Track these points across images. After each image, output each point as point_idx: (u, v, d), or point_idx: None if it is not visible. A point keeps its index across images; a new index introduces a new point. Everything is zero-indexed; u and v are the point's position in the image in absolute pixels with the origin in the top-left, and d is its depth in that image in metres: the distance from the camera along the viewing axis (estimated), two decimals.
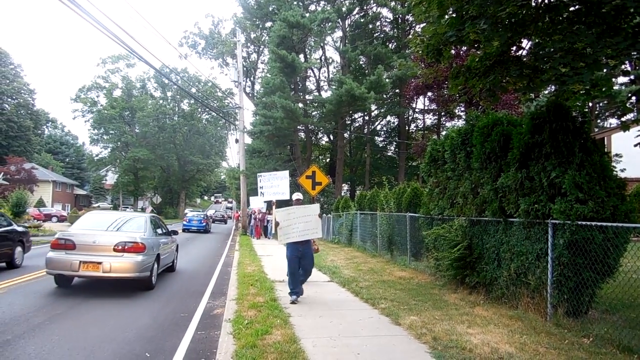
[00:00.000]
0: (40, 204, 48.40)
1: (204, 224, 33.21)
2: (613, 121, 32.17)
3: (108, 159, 66.15)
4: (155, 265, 9.51)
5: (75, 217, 38.86)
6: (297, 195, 8.64)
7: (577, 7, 5.96)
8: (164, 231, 11.28)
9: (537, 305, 6.46)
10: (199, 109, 62.66)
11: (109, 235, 8.88)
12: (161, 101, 64.07)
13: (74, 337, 5.80)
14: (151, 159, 58.95)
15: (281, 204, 12.02)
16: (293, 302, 7.53)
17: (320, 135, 42.83)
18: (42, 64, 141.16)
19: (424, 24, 8.38)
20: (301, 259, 7.92)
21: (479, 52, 7.17)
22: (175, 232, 12.34)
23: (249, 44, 43.11)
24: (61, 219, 43.43)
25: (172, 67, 58.97)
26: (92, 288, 9.20)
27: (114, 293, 8.84)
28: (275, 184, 13.36)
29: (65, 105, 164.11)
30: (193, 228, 32.27)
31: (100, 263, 8.32)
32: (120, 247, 8.53)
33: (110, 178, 68.58)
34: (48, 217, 41.70)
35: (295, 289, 7.76)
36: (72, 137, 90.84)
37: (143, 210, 50.77)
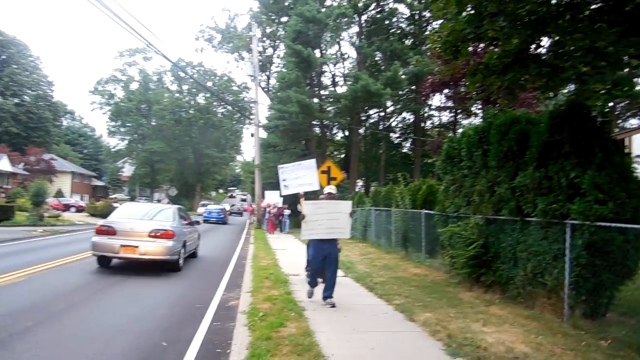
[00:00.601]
0: (60, 194, 49.22)
1: (222, 216, 36.36)
2: (634, 122, 31.57)
3: (125, 151, 66.87)
4: (182, 250, 10.87)
5: (93, 207, 39.53)
6: (330, 189, 7.88)
7: (598, 5, 5.88)
8: (189, 221, 12.53)
9: (554, 306, 6.42)
10: (215, 103, 62.98)
11: (144, 223, 10.32)
12: (177, 94, 64.48)
13: (93, 323, 5.95)
14: (167, 152, 59.45)
15: (309, 197, 11.41)
16: (310, 296, 7.37)
17: (335, 130, 42.72)
18: (61, 56, 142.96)
19: (442, 21, 8.32)
20: (325, 259, 7.17)
21: (496, 50, 7.10)
22: (197, 222, 14.06)
23: (264, 39, 43.11)
24: (80, 209, 44.09)
25: (188, 60, 59.40)
26: (124, 271, 10.03)
27: (141, 278, 9.18)
28: (300, 174, 11.20)
29: (83, 97, 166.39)
30: (212, 219, 35.00)
31: (137, 247, 9.74)
32: (154, 234, 9.93)
33: (127, 170, 69.28)
34: (67, 207, 42.36)
35: (314, 282, 7.46)
36: (90, 129, 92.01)
37: (159, 202, 51.36)
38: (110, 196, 61.44)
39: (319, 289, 7.41)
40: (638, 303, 6.32)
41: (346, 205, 7.33)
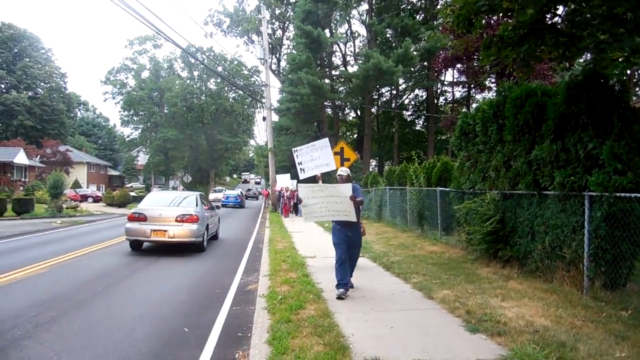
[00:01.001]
0: (77, 185, 50.00)
1: (239, 200, 38.73)
2: None
3: (139, 140, 67.44)
4: (206, 233, 11.94)
5: (109, 197, 40.13)
6: (342, 171, 7.24)
7: None
8: (210, 206, 13.88)
9: (573, 279, 6.37)
10: (226, 88, 62.91)
11: (171, 209, 11.36)
12: (188, 81, 64.54)
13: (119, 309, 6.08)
14: (180, 139, 59.79)
15: (326, 179, 11.35)
16: (340, 297, 6.28)
17: (347, 111, 42.52)
18: (72, 47, 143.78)
19: None
20: (349, 246, 6.68)
21: (511, 21, 6.93)
22: (217, 207, 17.47)
23: (273, 21, 42.75)
24: (97, 200, 44.79)
25: (198, 46, 59.22)
26: (143, 258, 10.10)
27: (161, 264, 9.25)
28: (315, 156, 10.57)
29: (95, 87, 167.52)
30: (230, 204, 37.39)
31: (166, 231, 10.85)
32: (180, 218, 10.99)
33: (142, 159, 69.98)
34: (84, 198, 43.07)
35: (344, 280, 6.47)
36: (104, 119, 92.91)
37: (174, 189, 51.90)
38: (126, 185, 62.24)
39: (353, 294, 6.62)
40: None
41: (346, 189, 6.55)
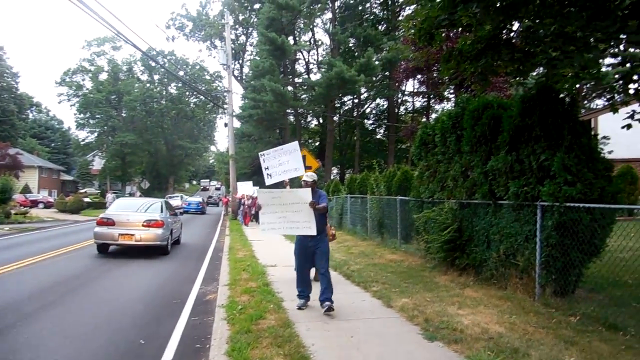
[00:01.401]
0: (26, 190, 47.82)
1: (201, 206, 39.78)
2: (600, 102, 32.42)
3: (95, 144, 65.26)
4: (170, 237, 12.75)
5: (62, 203, 38.57)
6: (306, 177, 6.44)
7: None
8: (174, 212, 14.59)
9: (526, 286, 6.58)
10: (187, 93, 61.96)
11: (138, 215, 12.12)
12: (148, 85, 63.20)
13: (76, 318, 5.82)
14: (139, 144, 58.33)
15: (295, 183, 10.33)
16: (300, 308, 6.19)
17: (309, 118, 42.63)
18: (25, 46, 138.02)
19: (415, 6, 8.32)
20: (313, 254, 6.23)
21: (469, 35, 7.15)
22: (181, 213, 18.25)
23: (237, 26, 42.54)
24: (48, 205, 42.94)
25: (159, 49, 58.14)
26: (99, 267, 9.35)
27: (116, 274, 8.90)
28: (283, 160, 9.69)
29: (49, 89, 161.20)
30: (192, 210, 38.02)
31: (133, 234, 11.61)
32: (146, 223, 11.76)
33: (97, 163, 67.75)
34: (34, 204, 41.16)
35: (304, 291, 6.35)
36: (58, 121, 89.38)
37: (131, 195, 50.51)
38: (80, 191, 59.97)
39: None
40: (604, 279, 6.53)
41: (304, 194, 6.06)
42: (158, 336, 5.44)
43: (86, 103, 60.08)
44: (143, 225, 11.72)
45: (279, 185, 11.10)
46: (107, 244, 11.90)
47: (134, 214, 12.16)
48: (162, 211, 12.73)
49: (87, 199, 41.11)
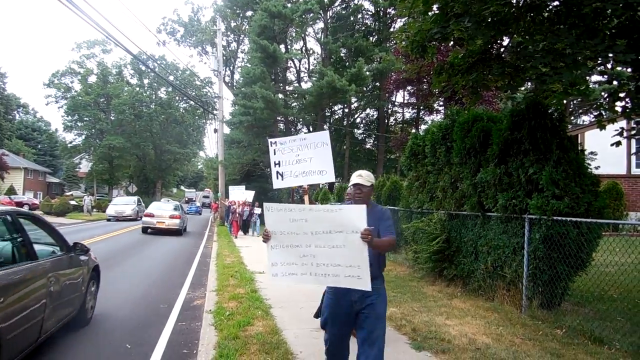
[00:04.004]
0: (11, 191, 47.09)
1: (200, 209, 53.95)
2: (586, 118, 32.99)
3: (82, 147, 64.46)
4: (184, 225, 22.00)
5: (48, 205, 38.04)
6: (359, 178, 3.63)
7: (558, 7, 6.10)
8: (183, 211, 24.22)
9: (513, 298, 6.65)
10: (177, 98, 61.69)
11: (166, 211, 20.99)
12: (138, 88, 62.70)
13: None
14: (127, 147, 57.78)
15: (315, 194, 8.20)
16: None
17: (300, 126, 42.70)
18: (14, 46, 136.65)
19: (407, 19, 8.44)
20: (358, 328, 3.48)
21: (460, 49, 7.27)
22: (187, 212, 27.31)
23: (229, 33, 42.58)
24: (33, 207, 42.20)
25: (149, 53, 57.92)
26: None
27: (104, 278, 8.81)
28: (305, 155, 6.51)
29: (37, 90, 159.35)
30: (191, 212, 46.73)
31: (164, 222, 20.09)
32: (171, 216, 20.39)
33: (85, 166, 66.95)
34: (19, 205, 40.46)
35: None
36: (45, 123, 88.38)
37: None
38: (67, 193, 59.26)
39: None
40: (590, 293, 6.62)
41: (355, 214, 3.20)
42: (145, 341, 5.38)
43: (74, 105, 59.47)
44: (169, 217, 20.26)
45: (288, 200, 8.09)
46: (148, 227, 20.17)
47: (164, 210, 20.98)
48: (179, 210, 21.88)
49: (73, 202, 40.58)
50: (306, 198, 5.99)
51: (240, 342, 4.93)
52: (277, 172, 6.50)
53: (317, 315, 5.51)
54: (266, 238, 3.41)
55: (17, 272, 3.95)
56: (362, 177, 3.59)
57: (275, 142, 6.68)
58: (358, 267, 3.18)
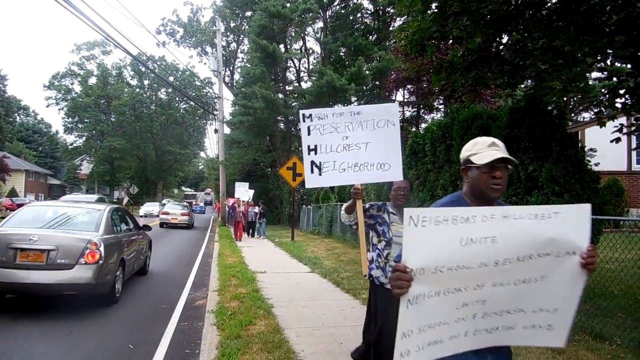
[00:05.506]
0: (13, 193, 47.22)
1: (204, 209, 59.33)
2: (587, 115, 32.97)
3: (83, 148, 64.70)
4: (192, 220, 27.72)
5: None
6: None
7: (556, 4, 6.11)
8: (192, 209, 31.03)
9: None
10: (177, 98, 61.76)
11: (179, 209, 27.02)
12: (138, 90, 62.83)
13: None
14: (127, 149, 57.95)
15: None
16: None
17: (300, 126, 42.75)
18: (14, 49, 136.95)
19: (406, 17, 8.45)
20: None
21: (458, 47, 7.29)
22: (194, 211, 33.18)
23: (228, 33, 42.59)
24: None
25: (149, 54, 57.96)
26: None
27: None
28: (357, 139, 3.64)
29: (38, 92, 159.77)
30: (196, 211, 48.52)
31: (177, 218, 25.55)
32: (182, 213, 26.09)
33: (85, 168, 67.13)
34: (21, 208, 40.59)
35: None
36: (46, 125, 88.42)
37: (119, 200, 50.16)
38: (68, 195, 59.30)
39: None
40: (591, 290, 6.61)
41: (579, 224, 1.87)
42: (147, 341, 5.39)
43: (75, 107, 59.68)
44: (181, 214, 25.67)
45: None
46: (165, 222, 25.02)
47: (177, 209, 27.05)
48: (188, 209, 28.22)
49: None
50: (359, 205, 3.67)
51: (242, 341, 4.95)
52: (313, 163, 3.87)
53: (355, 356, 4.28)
54: (403, 282, 1.61)
55: (133, 234, 8.61)
56: None
57: (310, 115, 3.95)
58: (554, 310, 1.87)
